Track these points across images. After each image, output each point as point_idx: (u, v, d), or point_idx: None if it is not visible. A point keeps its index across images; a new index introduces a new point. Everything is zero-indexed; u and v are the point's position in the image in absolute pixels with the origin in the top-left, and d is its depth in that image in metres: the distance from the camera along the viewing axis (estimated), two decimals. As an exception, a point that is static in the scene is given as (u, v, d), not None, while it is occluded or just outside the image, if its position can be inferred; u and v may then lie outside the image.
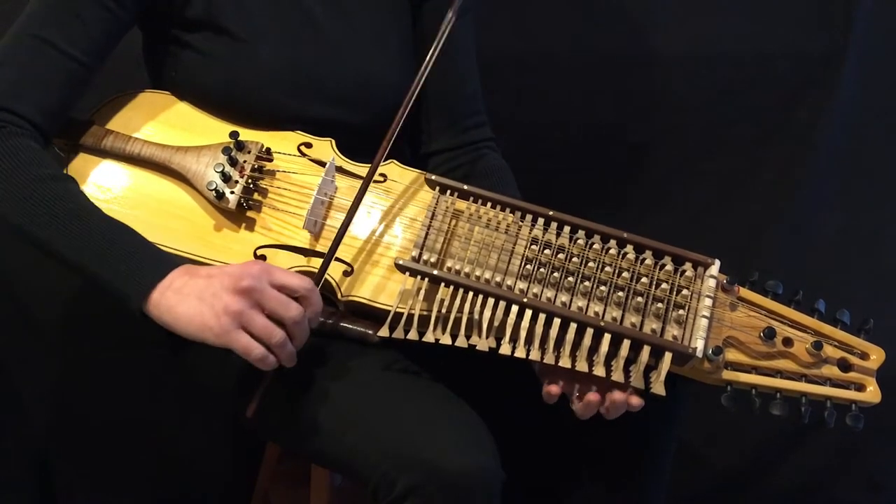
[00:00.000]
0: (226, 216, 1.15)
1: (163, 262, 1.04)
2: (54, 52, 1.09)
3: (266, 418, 1.12)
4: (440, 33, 1.16)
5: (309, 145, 1.19)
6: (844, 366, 1.07)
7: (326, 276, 1.10)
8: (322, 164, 1.17)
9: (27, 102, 1.08)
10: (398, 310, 1.08)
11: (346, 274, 1.12)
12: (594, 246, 1.10)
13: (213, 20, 1.18)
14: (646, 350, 1.03)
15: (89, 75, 1.13)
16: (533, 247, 1.09)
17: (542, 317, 1.05)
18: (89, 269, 1.03)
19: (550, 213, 1.11)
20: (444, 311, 1.07)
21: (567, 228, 1.11)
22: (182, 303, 1.00)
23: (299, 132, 1.20)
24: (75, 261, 1.04)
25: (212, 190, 1.12)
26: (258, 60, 1.19)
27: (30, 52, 1.09)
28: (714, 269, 1.08)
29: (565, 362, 1.03)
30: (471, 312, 1.06)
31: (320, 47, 1.23)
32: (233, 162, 1.14)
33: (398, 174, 1.18)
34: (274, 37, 1.20)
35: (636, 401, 1.05)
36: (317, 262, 1.13)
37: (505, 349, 1.04)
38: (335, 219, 1.15)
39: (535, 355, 1.04)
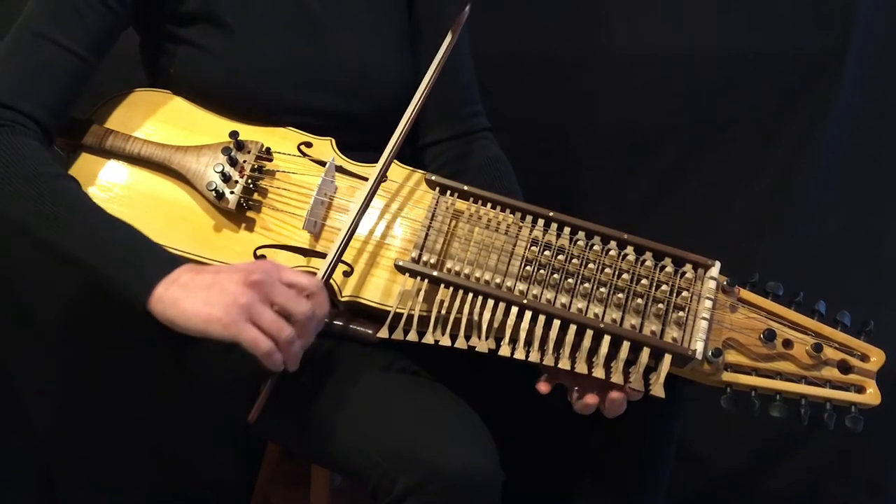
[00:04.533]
0: (226, 216, 1.15)
1: (168, 259, 1.03)
2: (55, 48, 1.09)
3: (266, 418, 1.12)
4: (441, 53, 1.17)
5: (309, 144, 1.19)
6: (844, 368, 1.07)
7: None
8: (322, 163, 1.17)
9: (30, 99, 1.08)
10: (398, 310, 1.08)
11: (346, 274, 1.12)
12: (594, 247, 1.09)
13: (210, 13, 1.18)
14: (645, 352, 1.03)
15: (90, 70, 1.13)
16: (533, 248, 1.09)
17: (541, 318, 1.05)
18: (92, 265, 1.03)
19: (550, 213, 1.11)
20: (443, 312, 1.07)
21: (567, 229, 1.11)
22: (188, 297, 0.99)
23: (299, 131, 1.20)
24: (78, 257, 1.03)
25: (212, 190, 1.12)
26: (256, 53, 1.19)
27: (30, 49, 1.10)
28: (714, 270, 1.08)
29: (565, 364, 1.03)
30: (470, 314, 1.06)
31: (318, 38, 1.23)
32: (232, 162, 1.14)
33: (398, 174, 1.18)
34: (271, 29, 1.21)
35: (636, 394, 1.05)
36: (317, 263, 1.13)
37: (504, 350, 1.04)
38: (335, 219, 1.15)
39: (534, 357, 1.04)
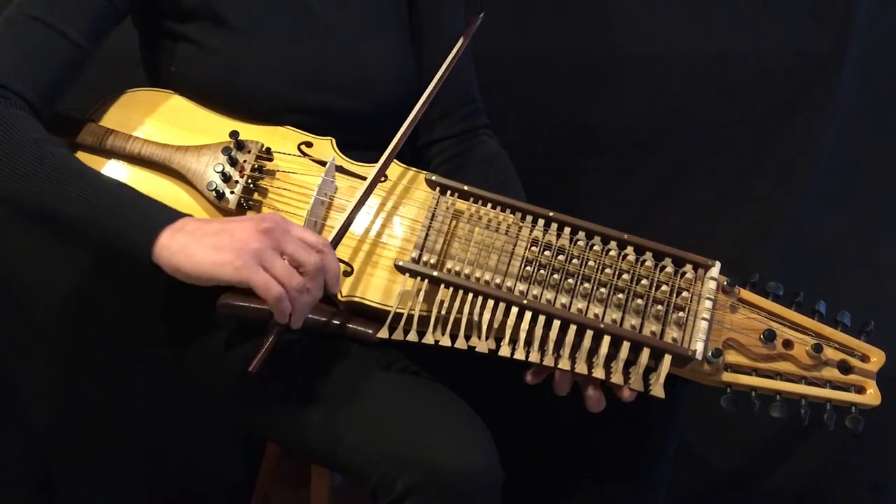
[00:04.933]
0: (226, 216, 1.14)
1: (174, 210, 1.02)
2: (48, 30, 1.09)
3: (266, 418, 1.12)
4: (449, 58, 1.17)
5: (309, 144, 1.19)
6: (844, 368, 1.07)
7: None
8: (322, 163, 1.17)
9: (21, 79, 1.07)
10: (398, 311, 1.08)
11: (346, 274, 1.12)
12: (594, 247, 1.10)
13: (210, 10, 1.18)
14: (645, 352, 1.03)
15: (83, 57, 1.12)
16: (533, 248, 1.09)
17: (541, 318, 1.05)
18: (93, 221, 1.01)
19: (551, 213, 1.11)
20: (443, 312, 1.07)
21: (567, 230, 1.11)
22: (197, 242, 0.98)
23: (300, 131, 1.20)
24: (78, 215, 1.01)
25: (212, 190, 1.12)
26: (256, 51, 1.19)
27: (23, 30, 1.09)
28: (714, 270, 1.08)
29: (565, 364, 1.03)
30: (470, 314, 1.06)
31: (318, 36, 1.23)
32: (233, 162, 1.14)
33: (398, 174, 1.18)
34: (272, 27, 1.20)
35: (627, 392, 1.05)
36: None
37: (504, 351, 1.04)
38: (335, 219, 1.15)
39: (534, 357, 1.04)
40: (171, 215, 1.01)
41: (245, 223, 0.99)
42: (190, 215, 1.03)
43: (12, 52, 1.08)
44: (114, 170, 1.16)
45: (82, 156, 1.16)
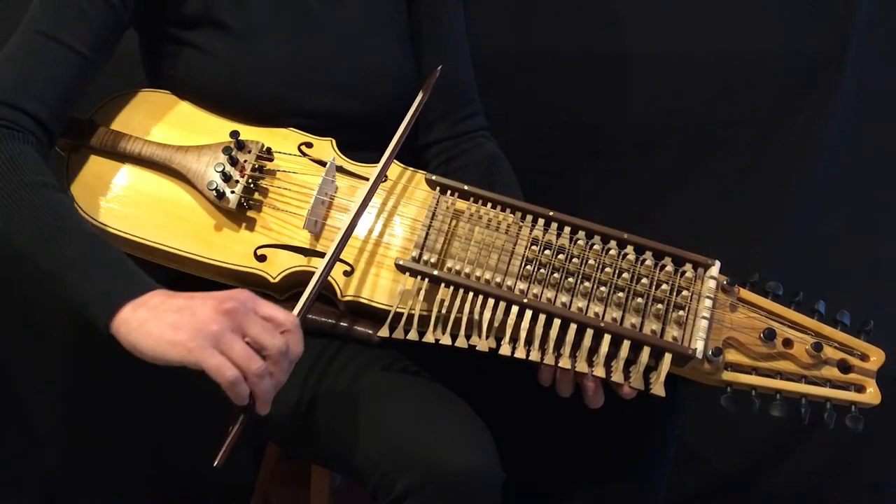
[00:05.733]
0: (226, 216, 1.14)
1: (142, 282, 0.98)
2: (58, 47, 1.09)
3: (266, 419, 1.12)
4: (412, 110, 1.17)
5: (310, 145, 1.19)
6: (844, 367, 1.07)
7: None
8: (322, 163, 1.17)
9: (32, 97, 1.07)
10: (398, 310, 1.08)
11: (346, 274, 1.12)
12: (594, 247, 1.10)
13: (211, 15, 1.19)
14: (646, 351, 1.03)
15: (92, 70, 1.13)
16: (533, 247, 1.09)
17: (542, 317, 1.05)
18: (61, 277, 0.97)
19: (550, 213, 1.11)
20: (444, 311, 1.07)
21: (567, 229, 1.11)
22: (156, 318, 0.93)
23: (300, 132, 1.20)
24: (48, 268, 0.98)
25: (212, 189, 1.12)
26: (258, 54, 1.19)
27: (33, 48, 1.09)
28: (714, 270, 1.08)
29: (565, 363, 1.03)
30: (471, 313, 1.06)
31: (319, 39, 1.23)
32: (233, 161, 1.14)
33: (398, 174, 1.18)
34: (272, 30, 1.21)
35: (627, 389, 1.04)
36: (317, 262, 1.13)
37: (505, 350, 1.04)
38: (335, 218, 1.15)
39: (535, 356, 1.04)
40: (138, 288, 0.97)
41: (209, 301, 0.94)
42: (161, 288, 0.98)
43: (23, 71, 1.08)
44: (114, 170, 1.16)
45: (83, 156, 1.17)
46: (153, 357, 0.93)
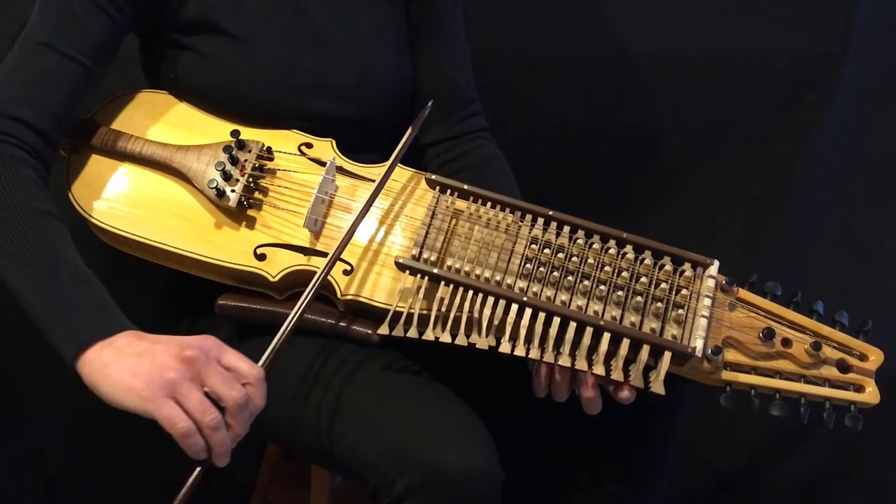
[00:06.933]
0: (226, 215, 1.15)
1: (111, 322, 0.97)
2: (57, 56, 1.09)
3: (266, 419, 1.12)
4: (402, 143, 1.16)
5: (309, 145, 1.20)
6: (843, 367, 1.07)
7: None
8: (322, 163, 1.17)
9: (31, 108, 1.07)
10: (398, 308, 1.08)
11: (346, 273, 1.12)
12: (594, 246, 1.10)
13: (209, 20, 1.19)
14: (645, 349, 1.03)
15: (92, 78, 1.13)
16: (533, 246, 1.10)
17: (541, 315, 1.05)
18: (32, 305, 0.97)
19: (550, 212, 1.11)
20: (443, 309, 1.07)
21: (567, 228, 1.11)
22: (117, 362, 0.92)
23: (300, 132, 1.20)
24: (28, 296, 0.98)
25: (213, 188, 1.12)
26: (257, 59, 1.19)
27: (32, 58, 1.10)
28: (713, 269, 1.08)
29: (565, 361, 1.03)
30: (470, 311, 1.06)
31: (317, 43, 1.23)
32: (234, 160, 1.14)
33: (398, 174, 1.18)
34: (271, 34, 1.21)
35: (626, 393, 1.04)
36: (317, 261, 1.13)
37: (504, 348, 1.04)
38: (336, 217, 1.15)
39: (534, 354, 1.04)
40: (106, 328, 0.95)
41: (171, 347, 0.92)
42: (132, 328, 0.97)
43: (23, 81, 1.09)
44: (115, 169, 1.16)
45: (84, 156, 1.17)
46: (111, 401, 0.92)
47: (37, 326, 0.98)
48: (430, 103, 1.26)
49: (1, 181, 1.02)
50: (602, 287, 1.07)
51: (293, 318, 1.01)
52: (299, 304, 1.02)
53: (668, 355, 1.03)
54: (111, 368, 0.92)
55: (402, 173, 1.19)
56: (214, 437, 0.92)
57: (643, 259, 1.09)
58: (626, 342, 1.03)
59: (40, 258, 0.99)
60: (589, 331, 1.04)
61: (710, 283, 1.08)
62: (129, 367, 0.91)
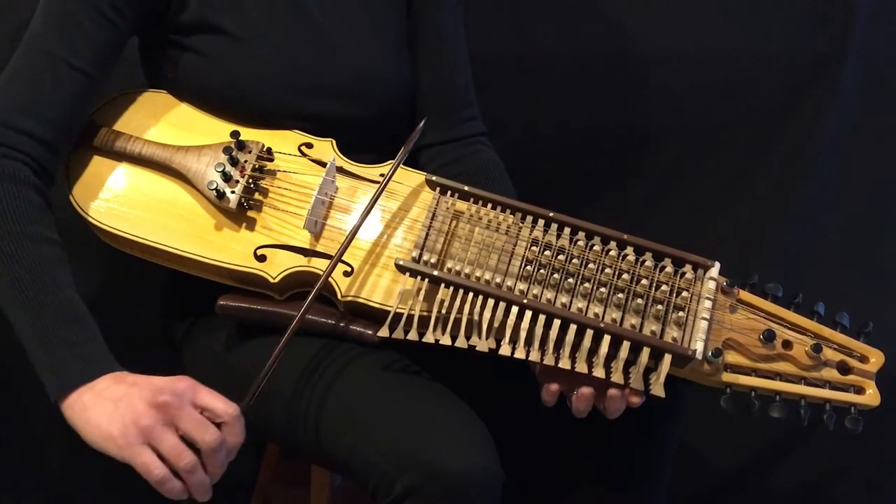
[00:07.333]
0: (226, 216, 1.15)
1: (97, 366, 0.99)
2: (60, 65, 1.09)
3: (266, 419, 1.12)
4: (397, 160, 1.15)
5: (310, 146, 1.19)
6: (844, 368, 1.07)
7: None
8: (322, 164, 1.17)
9: (36, 118, 1.07)
10: (398, 310, 1.08)
11: (346, 274, 1.12)
12: (594, 247, 1.10)
13: (209, 21, 1.18)
14: (645, 352, 1.03)
15: (95, 86, 1.13)
16: (533, 248, 1.09)
17: (541, 318, 1.05)
18: (25, 341, 1.00)
19: (550, 214, 1.11)
20: (444, 311, 1.07)
21: (567, 230, 1.11)
22: (96, 407, 0.95)
23: (300, 132, 1.20)
24: (20, 327, 1.00)
25: (212, 189, 1.12)
26: (257, 59, 1.19)
27: (35, 67, 1.09)
28: (714, 271, 1.08)
29: (565, 363, 1.03)
30: (471, 313, 1.06)
31: (318, 43, 1.23)
32: (234, 161, 1.14)
33: (399, 175, 1.18)
34: (271, 35, 1.20)
35: (636, 399, 1.04)
36: (317, 262, 1.13)
37: (505, 350, 1.04)
38: (336, 218, 1.15)
39: (534, 356, 1.04)
40: (89, 372, 0.97)
41: (145, 392, 0.94)
42: (115, 369, 0.99)
43: (27, 92, 1.08)
44: (115, 170, 1.16)
45: (84, 156, 1.17)
46: (93, 446, 0.96)
47: (27, 352, 1.00)
48: (423, 121, 1.23)
49: (0, 205, 1.02)
50: (602, 289, 1.06)
51: (288, 336, 1.03)
52: (295, 321, 1.04)
53: (668, 357, 1.03)
54: (90, 413, 0.95)
55: (403, 174, 1.18)
56: (191, 479, 0.94)
57: (644, 261, 1.09)
58: (626, 344, 1.03)
59: (35, 289, 1.00)
60: (589, 333, 1.04)
61: (711, 285, 1.07)
62: (106, 413, 0.94)
